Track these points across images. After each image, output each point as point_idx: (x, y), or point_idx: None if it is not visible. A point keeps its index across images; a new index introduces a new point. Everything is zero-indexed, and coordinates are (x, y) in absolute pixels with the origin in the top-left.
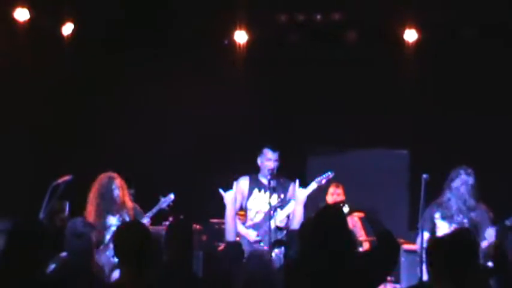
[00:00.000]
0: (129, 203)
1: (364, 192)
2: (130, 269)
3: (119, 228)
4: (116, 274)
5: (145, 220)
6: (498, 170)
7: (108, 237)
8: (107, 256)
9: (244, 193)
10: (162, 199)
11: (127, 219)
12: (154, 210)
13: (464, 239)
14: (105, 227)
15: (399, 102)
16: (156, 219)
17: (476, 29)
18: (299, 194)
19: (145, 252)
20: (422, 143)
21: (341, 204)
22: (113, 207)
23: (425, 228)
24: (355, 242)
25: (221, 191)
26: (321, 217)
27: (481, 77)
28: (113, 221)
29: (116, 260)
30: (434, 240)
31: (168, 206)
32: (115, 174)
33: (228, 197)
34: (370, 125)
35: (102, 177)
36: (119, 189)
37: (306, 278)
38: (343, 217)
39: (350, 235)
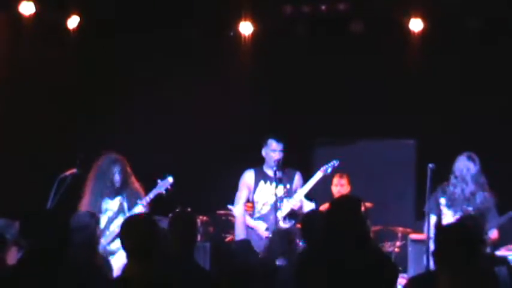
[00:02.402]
0: (132, 186)
1: (371, 182)
2: (137, 263)
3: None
4: (113, 261)
5: (140, 206)
6: (503, 159)
7: (104, 221)
8: (101, 243)
9: (251, 186)
10: (160, 182)
11: (125, 204)
12: (151, 195)
13: (470, 228)
14: (101, 211)
15: (405, 92)
16: (164, 210)
17: (482, 19)
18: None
19: (153, 245)
20: (429, 132)
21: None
22: (110, 190)
23: (432, 212)
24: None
25: (229, 206)
26: (337, 206)
27: (487, 67)
28: (111, 205)
29: (110, 247)
30: (439, 228)
31: (167, 190)
32: (118, 157)
33: (237, 211)
34: (377, 115)
35: (102, 158)
36: (121, 173)
37: (321, 269)
38: (359, 207)
39: (365, 225)
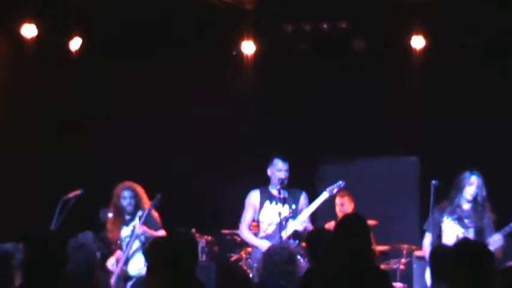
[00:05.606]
0: (144, 207)
1: (375, 200)
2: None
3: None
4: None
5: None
6: (508, 173)
7: (121, 251)
8: (115, 279)
9: (256, 206)
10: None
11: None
12: (146, 211)
13: (470, 249)
14: (121, 240)
15: (408, 109)
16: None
17: (483, 36)
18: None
19: (178, 266)
20: (432, 149)
21: None
22: (125, 218)
23: (430, 231)
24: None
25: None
26: (344, 226)
27: (489, 83)
28: (127, 232)
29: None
30: (441, 248)
31: (155, 206)
32: (129, 183)
33: (242, 231)
34: (380, 133)
35: (116, 188)
36: (130, 198)
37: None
38: (365, 226)
39: (371, 244)
